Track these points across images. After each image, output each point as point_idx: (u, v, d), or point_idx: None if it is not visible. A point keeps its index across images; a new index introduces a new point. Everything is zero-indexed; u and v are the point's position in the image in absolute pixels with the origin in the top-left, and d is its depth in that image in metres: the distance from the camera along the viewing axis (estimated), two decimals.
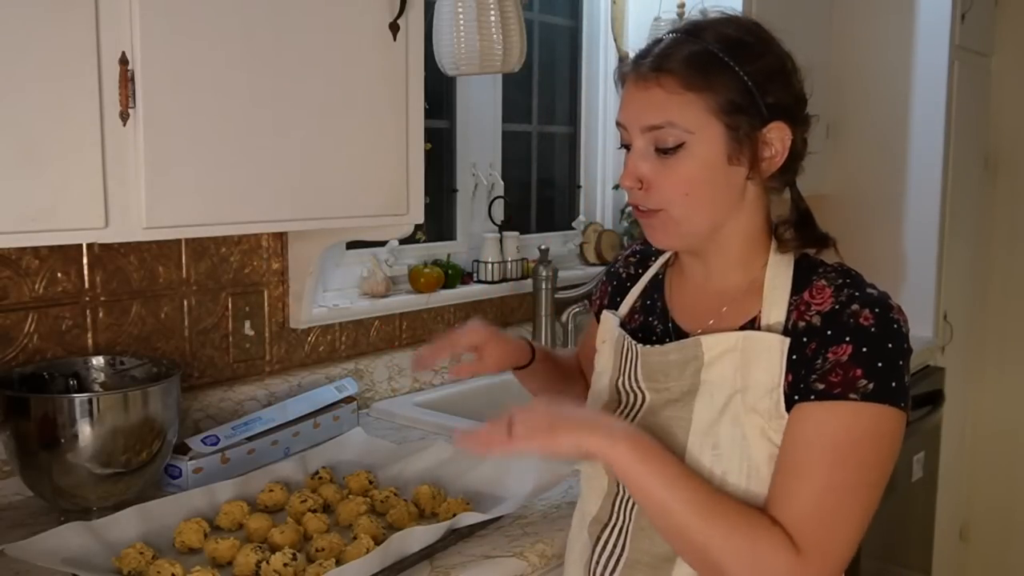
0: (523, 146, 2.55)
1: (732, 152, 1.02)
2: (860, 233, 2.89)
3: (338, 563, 1.19)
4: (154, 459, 1.37)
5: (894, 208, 2.84)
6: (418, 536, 1.21)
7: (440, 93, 2.23)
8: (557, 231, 2.62)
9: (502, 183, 2.35)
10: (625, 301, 1.23)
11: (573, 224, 2.64)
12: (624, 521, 1.11)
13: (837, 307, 1.00)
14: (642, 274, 1.24)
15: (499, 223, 2.29)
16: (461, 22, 1.81)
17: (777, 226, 1.09)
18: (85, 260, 1.52)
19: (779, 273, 1.07)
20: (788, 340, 1.01)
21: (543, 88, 2.57)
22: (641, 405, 1.11)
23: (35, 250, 1.45)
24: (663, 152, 1.03)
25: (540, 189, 2.63)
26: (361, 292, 2.00)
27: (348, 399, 1.78)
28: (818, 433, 0.98)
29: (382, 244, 2.05)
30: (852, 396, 0.96)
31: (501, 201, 2.31)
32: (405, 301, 2.04)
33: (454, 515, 1.32)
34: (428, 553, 1.24)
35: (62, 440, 1.27)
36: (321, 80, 1.41)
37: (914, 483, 2.66)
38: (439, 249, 2.24)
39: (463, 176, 2.31)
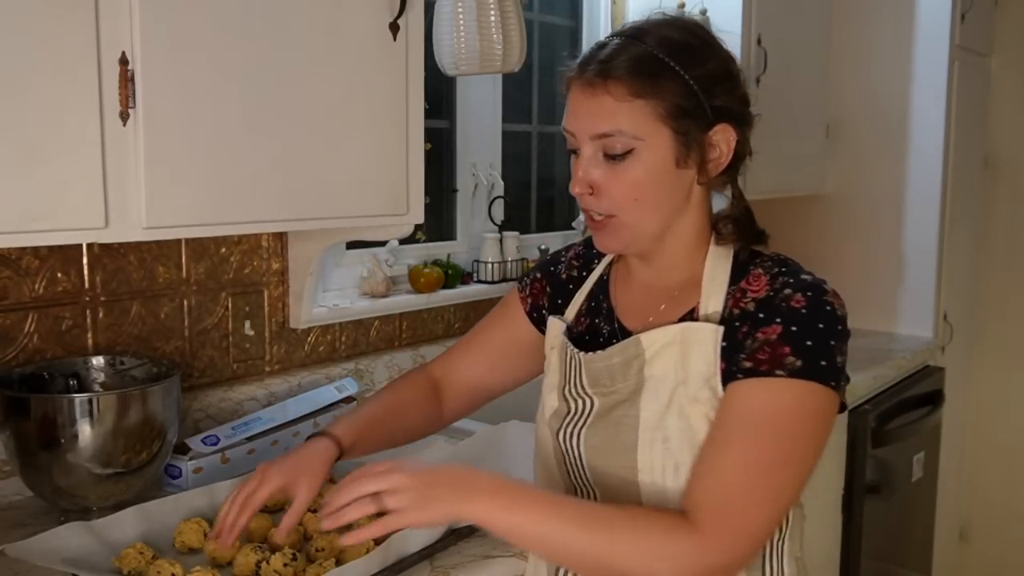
0: (523, 146, 2.55)
1: (680, 156, 1.03)
2: (860, 233, 2.89)
3: (338, 563, 1.19)
4: (154, 459, 1.37)
5: (894, 208, 2.84)
6: (418, 536, 1.21)
7: (440, 93, 2.23)
8: (557, 231, 2.63)
9: (502, 183, 2.35)
10: (571, 305, 1.22)
11: (573, 224, 2.64)
12: None
13: (771, 293, 1.02)
14: (586, 277, 1.23)
15: (499, 223, 2.29)
16: (461, 22, 1.81)
17: (717, 221, 1.11)
18: (85, 260, 1.52)
19: (717, 265, 1.08)
20: (722, 328, 1.02)
21: (543, 88, 2.57)
22: (590, 410, 1.11)
23: (35, 250, 1.45)
24: (612, 158, 1.03)
25: (540, 189, 2.63)
26: (361, 292, 2.00)
27: (348, 399, 1.78)
28: (740, 408, 0.98)
29: (382, 244, 2.05)
30: (779, 372, 0.97)
31: (501, 201, 2.31)
32: (405, 301, 2.04)
33: None
34: (428, 553, 1.24)
35: (62, 440, 1.27)
36: (321, 80, 1.41)
37: (914, 483, 2.66)
38: (439, 249, 2.24)
39: (463, 176, 2.31)
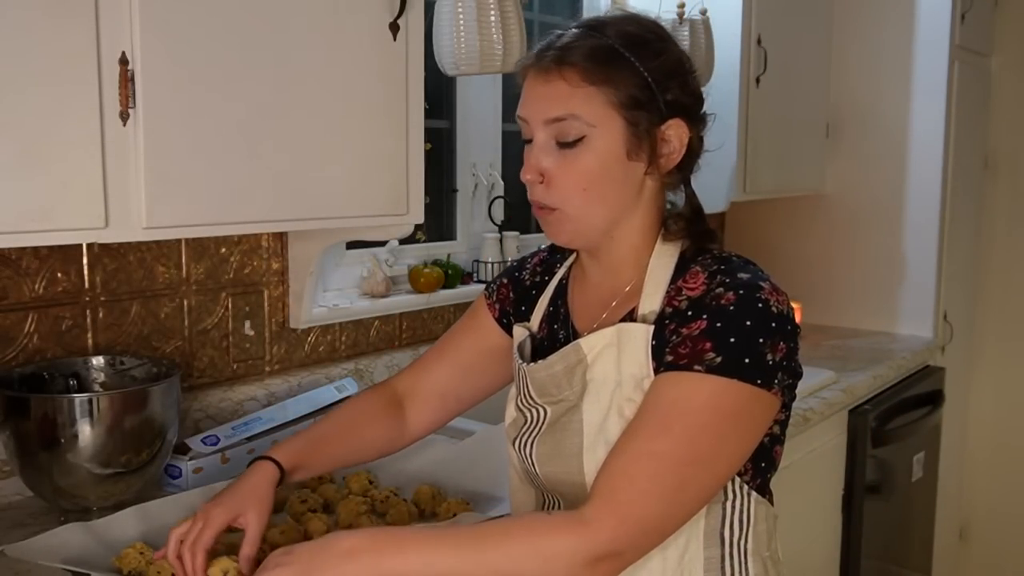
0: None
1: (631, 147, 1.03)
2: (860, 233, 2.89)
3: None
4: (154, 459, 1.37)
5: (894, 208, 2.84)
6: None
7: (440, 93, 2.23)
8: None
9: (502, 183, 2.35)
10: (535, 312, 1.20)
11: None
12: None
13: (705, 291, 1.00)
14: (548, 281, 1.22)
15: (499, 223, 2.29)
16: (461, 22, 1.81)
17: (667, 219, 1.10)
18: (85, 260, 1.52)
19: (661, 264, 1.07)
20: (652, 328, 1.02)
21: None
22: (543, 420, 1.10)
23: (35, 250, 1.45)
24: (564, 145, 1.03)
25: None
26: (361, 292, 2.00)
27: (348, 399, 1.77)
28: (653, 399, 0.97)
29: (382, 244, 2.05)
30: (696, 368, 0.95)
31: (501, 201, 2.31)
32: (405, 301, 2.04)
33: (454, 515, 1.32)
34: None
35: (62, 440, 1.27)
36: (321, 80, 1.41)
37: (914, 483, 2.66)
38: (439, 249, 2.24)
39: (463, 176, 2.31)
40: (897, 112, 2.81)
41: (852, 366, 2.44)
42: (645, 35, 1.04)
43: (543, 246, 1.29)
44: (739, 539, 1.06)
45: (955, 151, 2.81)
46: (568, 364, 1.07)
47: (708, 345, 0.95)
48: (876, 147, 2.85)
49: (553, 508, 1.12)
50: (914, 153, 2.80)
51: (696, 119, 1.07)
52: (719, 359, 0.95)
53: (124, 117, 1.19)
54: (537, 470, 1.10)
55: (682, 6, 2.25)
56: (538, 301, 1.21)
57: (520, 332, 1.20)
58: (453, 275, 2.14)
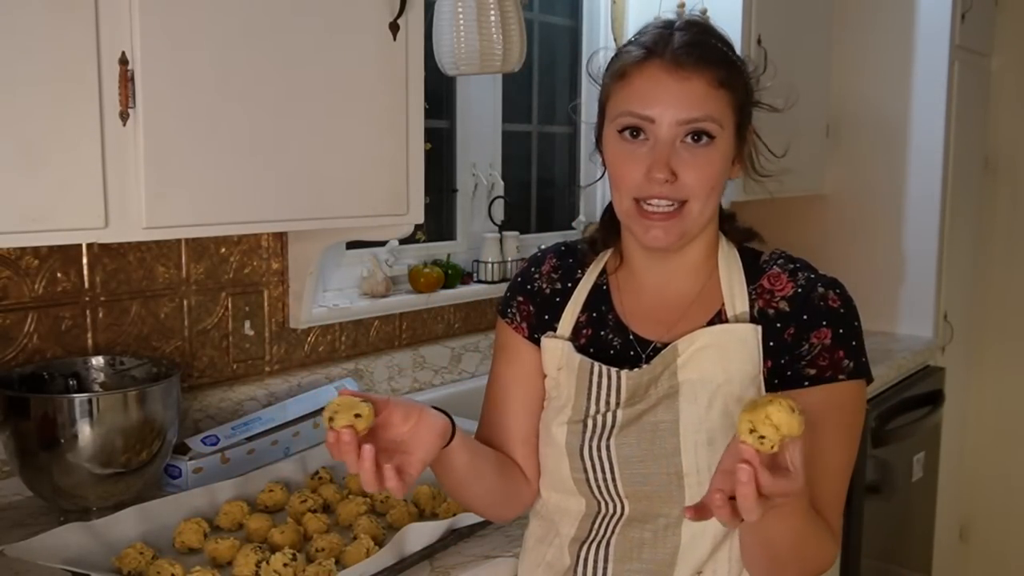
0: (523, 146, 2.55)
1: (737, 150, 1.08)
2: (860, 233, 2.89)
3: (338, 563, 1.19)
4: (154, 459, 1.37)
5: (894, 208, 2.84)
6: (418, 536, 1.21)
7: (440, 93, 2.23)
8: (557, 231, 2.62)
9: (502, 183, 2.35)
10: (563, 319, 1.15)
11: (573, 224, 2.64)
12: (606, 535, 1.10)
13: (800, 291, 1.07)
14: (571, 287, 1.17)
15: (499, 223, 2.29)
16: (461, 22, 1.81)
17: (722, 221, 1.15)
18: (85, 260, 1.52)
19: (730, 266, 1.11)
20: (760, 328, 1.06)
21: (543, 88, 2.56)
22: (613, 422, 1.08)
23: (35, 250, 1.45)
24: (697, 144, 1.03)
25: (540, 189, 2.62)
26: (361, 292, 2.00)
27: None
28: (822, 417, 1.00)
29: (382, 244, 2.05)
30: (840, 376, 1.03)
31: (501, 201, 2.31)
32: (405, 301, 2.04)
33: (454, 515, 1.32)
34: (428, 553, 1.24)
35: (62, 440, 1.27)
36: (321, 80, 1.41)
37: (914, 483, 2.66)
38: (439, 249, 2.24)
39: (463, 176, 2.31)
40: (897, 112, 2.81)
41: None
42: (731, 43, 1.09)
43: (540, 248, 1.27)
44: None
45: (955, 151, 2.81)
46: (665, 365, 1.07)
47: (841, 353, 1.03)
48: (876, 147, 2.85)
49: (616, 517, 1.09)
50: (914, 153, 2.80)
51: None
52: (852, 364, 1.03)
53: (124, 117, 1.19)
54: (616, 473, 1.08)
55: (682, 6, 2.25)
56: (565, 308, 1.16)
57: (555, 344, 1.14)
58: (453, 275, 2.14)
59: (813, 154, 2.85)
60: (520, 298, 1.20)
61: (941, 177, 2.77)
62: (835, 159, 2.91)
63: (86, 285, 1.53)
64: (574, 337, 1.15)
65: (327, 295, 1.96)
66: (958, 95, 2.80)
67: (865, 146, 2.87)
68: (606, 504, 1.11)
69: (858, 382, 1.04)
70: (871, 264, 2.88)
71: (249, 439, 1.57)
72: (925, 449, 2.69)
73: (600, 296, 1.16)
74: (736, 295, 1.08)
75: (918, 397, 2.64)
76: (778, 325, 1.06)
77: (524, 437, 1.17)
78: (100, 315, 1.55)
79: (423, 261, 2.15)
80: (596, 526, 1.11)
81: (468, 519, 1.29)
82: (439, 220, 2.30)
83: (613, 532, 1.10)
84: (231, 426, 1.57)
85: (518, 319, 1.19)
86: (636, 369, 1.08)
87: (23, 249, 1.44)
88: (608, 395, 1.09)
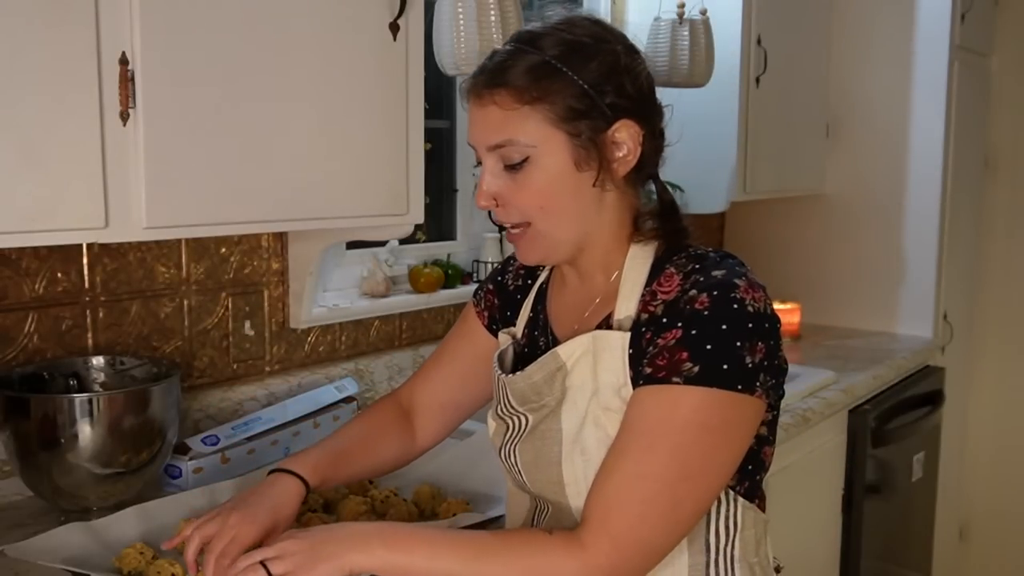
0: None
1: (579, 158, 1.00)
2: (860, 233, 2.89)
3: None
4: (154, 459, 1.37)
5: (894, 208, 2.84)
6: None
7: (440, 93, 2.23)
8: None
9: None
10: (520, 317, 1.19)
11: None
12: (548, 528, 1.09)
13: (679, 294, 0.97)
14: (531, 286, 1.21)
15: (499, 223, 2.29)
16: (461, 22, 1.81)
17: (637, 218, 1.07)
18: (85, 260, 1.52)
19: (636, 266, 1.05)
20: (628, 335, 1.00)
21: None
22: (525, 426, 1.09)
23: (35, 250, 1.45)
24: (511, 168, 1.01)
25: None
26: (361, 292, 2.01)
27: (348, 399, 1.78)
28: (637, 417, 0.96)
29: (382, 244, 2.05)
30: (675, 379, 0.93)
31: None
32: (405, 301, 2.04)
33: (454, 515, 1.32)
34: None
35: (62, 440, 1.27)
36: (321, 80, 1.41)
37: (914, 483, 2.66)
38: (439, 249, 2.24)
39: (463, 176, 2.31)
40: (897, 112, 2.81)
41: (852, 366, 2.44)
42: (580, 40, 1.01)
43: None
44: (725, 545, 1.04)
45: (955, 151, 2.81)
46: (548, 372, 1.05)
47: (685, 355, 0.93)
48: (876, 147, 2.85)
49: (545, 515, 1.11)
50: (914, 153, 2.80)
51: (647, 114, 1.04)
52: (696, 368, 0.92)
53: (124, 117, 1.19)
54: (524, 478, 1.09)
55: (682, 6, 2.25)
56: (522, 306, 1.19)
57: (504, 339, 1.18)
58: (453, 275, 2.14)
59: (813, 154, 2.85)
60: (490, 287, 1.27)
61: (941, 177, 2.78)
62: (835, 159, 2.91)
63: (86, 285, 1.53)
64: (523, 336, 1.17)
65: (327, 295, 1.96)
66: (958, 95, 2.80)
67: (865, 146, 2.87)
68: (538, 506, 1.12)
69: (703, 390, 0.92)
70: (871, 264, 2.88)
71: (249, 439, 1.57)
72: (925, 449, 2.69)
73: (540, 297, 1.18)
74: (627, 299, 1.03)
75: (918, 397, 2.64)
76: (643, 330, 0.99)
77: (443, 402, 1.27)
78: (100, 315, 1.55)
79: (423, 261, 2.15)
80: (536, 520, 1.12)
81: (468, 519, 1.29)
82: (439, 220, 2.30)
83: (551, 528, 1.10)
84: (231, 426, 1.57)
85: (482, 306, 1.26)
86: (518, 373, 1.08)
87: (23, 249, 1.44)
88: (505, 397, 1.11)
